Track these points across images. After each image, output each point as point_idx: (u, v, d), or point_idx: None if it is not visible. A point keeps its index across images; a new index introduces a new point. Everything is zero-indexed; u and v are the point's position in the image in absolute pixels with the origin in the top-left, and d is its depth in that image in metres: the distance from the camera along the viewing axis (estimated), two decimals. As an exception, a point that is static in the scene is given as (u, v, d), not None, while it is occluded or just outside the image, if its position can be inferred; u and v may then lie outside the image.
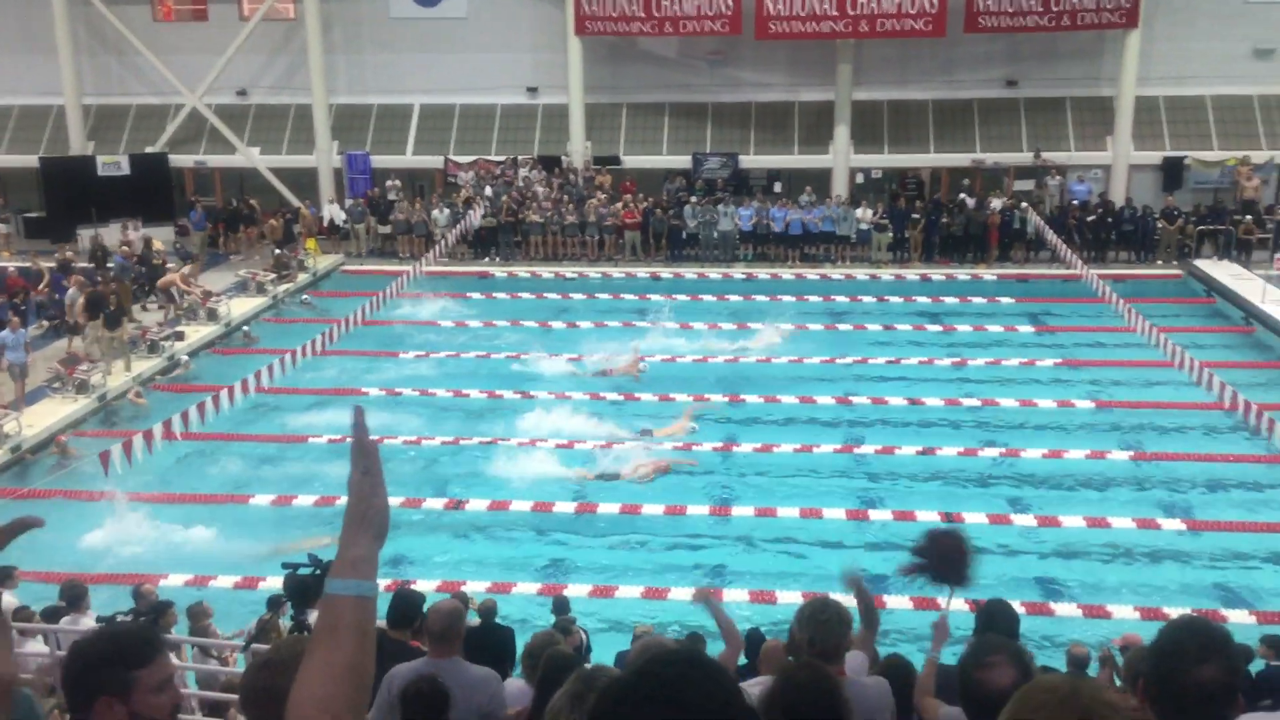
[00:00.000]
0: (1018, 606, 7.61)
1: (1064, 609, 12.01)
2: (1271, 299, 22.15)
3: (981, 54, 28.81)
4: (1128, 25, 27.27)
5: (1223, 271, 24.82)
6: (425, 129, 30.82)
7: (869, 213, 27.11)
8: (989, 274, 25.99)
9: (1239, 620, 11.32)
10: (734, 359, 20.55)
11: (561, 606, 10.28)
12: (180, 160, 30.79)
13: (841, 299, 24.31)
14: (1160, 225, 26.47)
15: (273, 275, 25.17)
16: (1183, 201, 27.35)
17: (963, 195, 27.66)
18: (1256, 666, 8.72)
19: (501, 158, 29.97)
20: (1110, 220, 26.74)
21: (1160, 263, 26.32)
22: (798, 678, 3.54)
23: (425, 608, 6.56)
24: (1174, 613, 11.67)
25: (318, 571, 6.08)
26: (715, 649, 6.61)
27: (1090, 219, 26.70)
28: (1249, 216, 26.43)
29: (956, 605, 11.16)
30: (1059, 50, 28.54)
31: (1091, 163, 28.63)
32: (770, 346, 21.00)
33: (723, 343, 21.27)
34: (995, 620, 6.16)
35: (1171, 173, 28.10)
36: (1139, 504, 14.60)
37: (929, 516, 13.94)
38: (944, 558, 5.59)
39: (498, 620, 9.25)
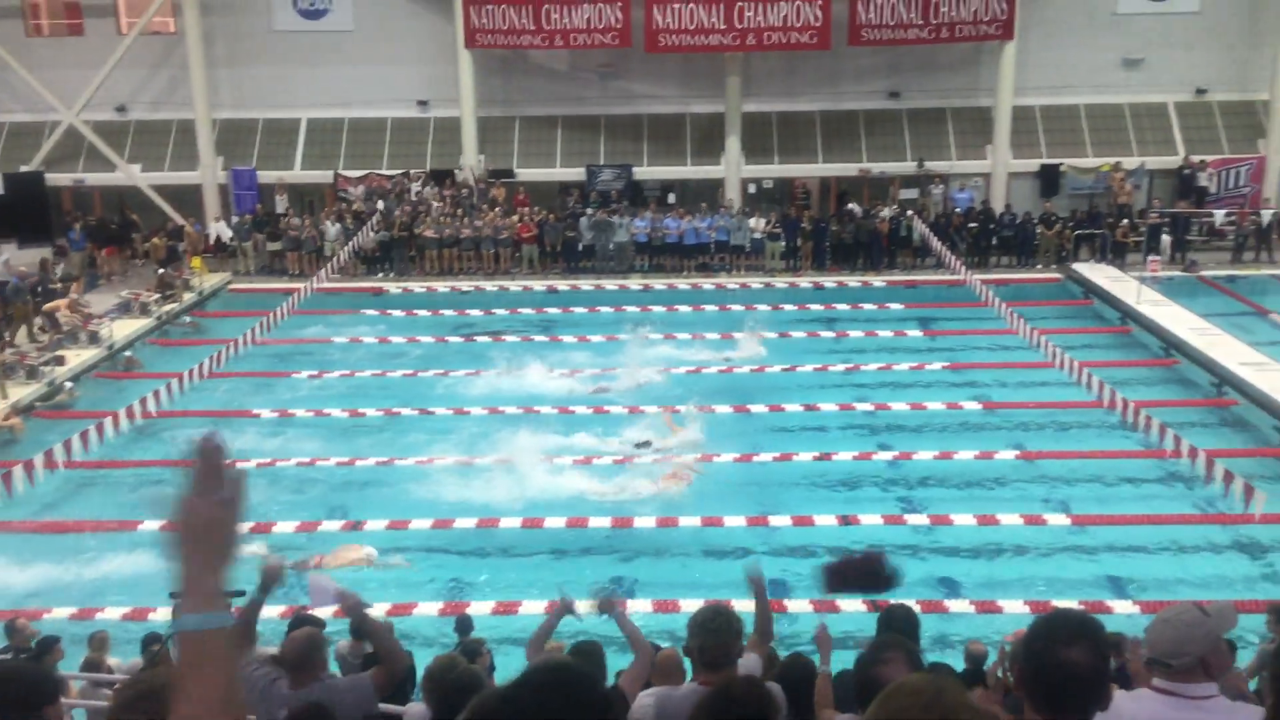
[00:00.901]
0: (913, 605, 7.84)
1: (957, 606, 12.33)
2: (1146, 300, 23.11)
3: (865, 66, 29.52)
4: (1003, 37, 28.23)
5: (1099, 274, 25.81)
6: (313, 143, 30.33)
7: (762, 222, 27.56)
8: (879, 280, 26.60)
9: (1124, 610, 11.78)
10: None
11: (465, 626, 10.17)
12: (58, 179, 29.73)
13: (737, 308, 24.61)
14: (1039, 231, 27.42)
15: (157, 296, 24.47)
16: (1060, 207, 28.40)
17: (851, 205, 28.29)
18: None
19: (393, 172, 29.66)
20: (991, 226, 27.63)
21: (1040, 267, 27.26)
22: (732, 690, 3.58)
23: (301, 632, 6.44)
24: (1063, 605, 12.12)
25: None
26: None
27: (972, 225, 27.54)
28: (1124, 221, 27.54)
29: (856, 607, 11.46)
30: (939, 62, 29.41)
31: (972, 171, 29.53)
32: (755, 355, 21.32)
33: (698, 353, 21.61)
34: (896, 622, 6.31)
35: (1048, 180, 29.15)
36: (1026, 501, 15.08)
37: (827, 521, 14.22)
38: (859, 574, 5.71)
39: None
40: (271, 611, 9.87)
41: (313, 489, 15.99)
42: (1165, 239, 26.74)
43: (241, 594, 5.48)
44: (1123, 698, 3.58)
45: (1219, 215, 27.92)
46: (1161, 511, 14.67)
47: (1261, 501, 13.90)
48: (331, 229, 27.55)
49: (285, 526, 14.34)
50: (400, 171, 29.61)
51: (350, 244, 26.97)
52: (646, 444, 17.05)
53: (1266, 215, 27.32)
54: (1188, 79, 29.51)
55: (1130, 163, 28.97)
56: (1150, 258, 24.64)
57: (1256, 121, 29.33)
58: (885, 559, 5.77)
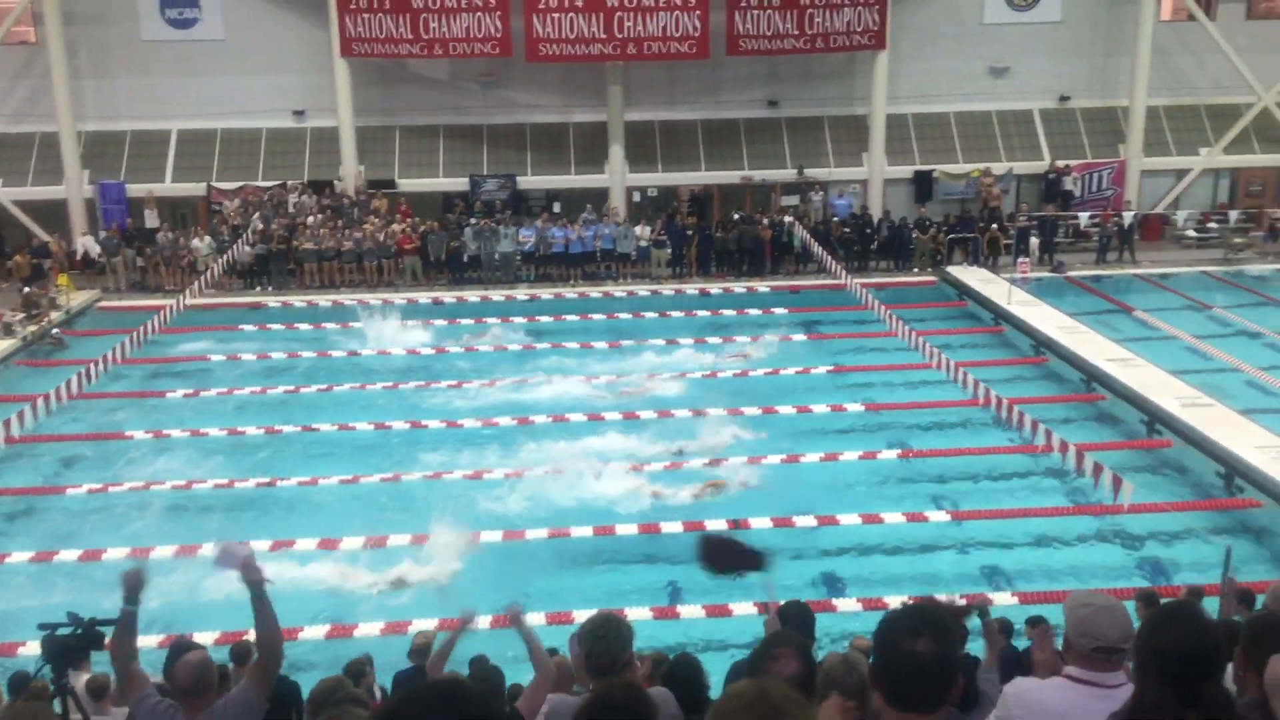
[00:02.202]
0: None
1: (845, 604, 12.55)
2: (1017, 300, 23.93)
3: (744, 76, 29.97)
4: (876, 47, 28.95)
5: (972, 276, 26.63)
6: (185, 155, 29.45)
7: (647, 230, 27.73)
8: (763, 286, 26.98)
9: (1004, 601, 12.17)
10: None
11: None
12: (-91, 194, 28.30)
13: (625, 316, 24.70)
14: (914, 235, 28.19)
15: (21, 315, 23.43)
16: (934, 212, 29.23)
17: (736, 214, 28.67)
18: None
19: (269, 183, 28.98)
20: (869, 232, 28.29)
21: (916, 270, 28.00)
22: (610, 695, 3.57)
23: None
24: (944, 599, 12.45)
25: (79, 631, 5.74)
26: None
27: (850, 231, 28.16)
28: (994, 225, 28.48)
29: (746, 611, 11.59)
30: (815, 72, 30.02)
31: (850, 178, 30.22)
32: (751, 360, 21.55)
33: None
34: (790, 620, 6.38)
35: (922, 185, 29.99)
36: (909, 499, 15.46)
37: (718, 525, 14.34)
38: (725, 554, 5.82)
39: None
40: (149, 640, 9.54)
41: (189, 512, 15.50)
42: (1033, 241, 27.78)
43: (115, 621, 5.31)
44: (1036, 687, 3.64)
45: (1083, 217, 29.10)
46: (1037, 505, 15.20)
47: (1129, 492, 14.50)
48: (205, 243, 26.77)
49: (163, 552, 13.86)
50: (277, 183, 28.95)
51: (224, 258, 26.24)
52: (680, 452, 17.20)
53: (1128, 217, 28.56)
54: (1051, 87, 30.70)
55: (999, 168, 30.00)
56: (1019, 260, 25.53)
57: (1117, 127, 30.65)
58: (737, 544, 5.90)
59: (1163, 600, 9.60)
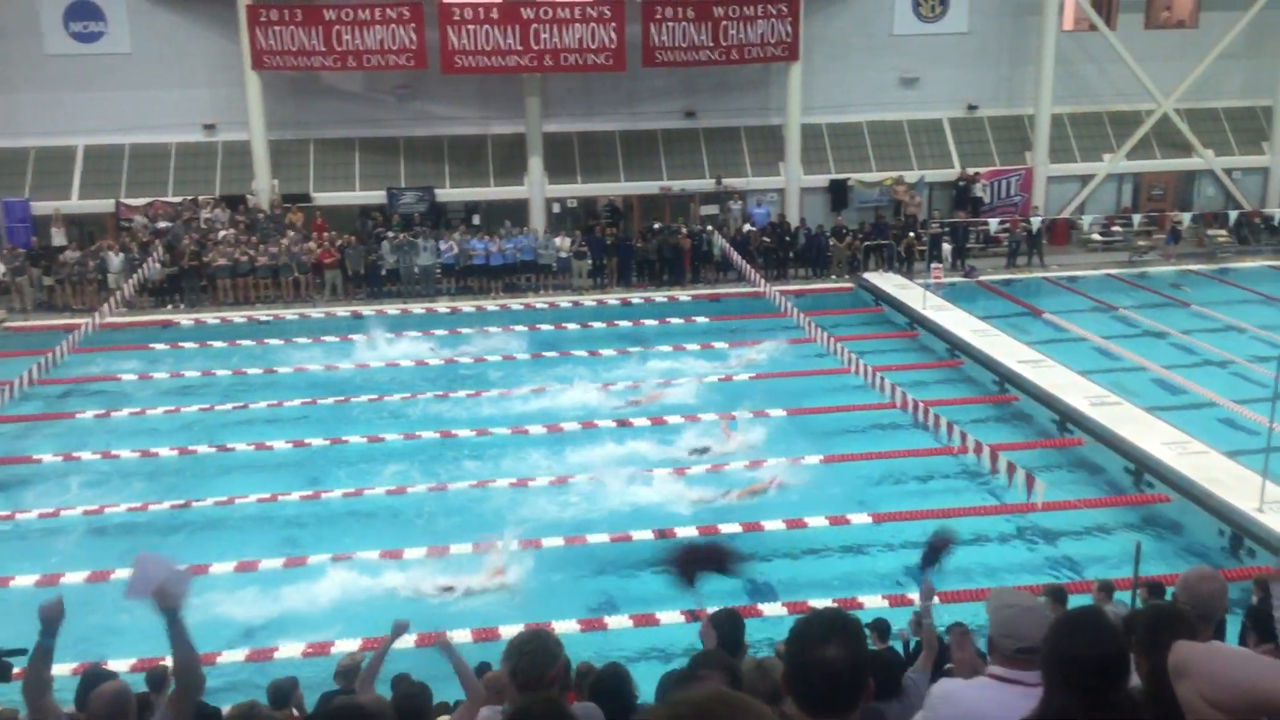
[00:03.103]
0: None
1: (770, 609, 12.66)
2: (931, 305, 24.41)
3: (661, 87, 30.16)
4: (789, 59, 29.35)
5: (888, 283, 27.10)
6: (92, 171, 28.71)
7: (568, 241, 27.74)
8: (684, 295, 27.14)
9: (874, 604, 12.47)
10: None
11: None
12: None
13: (546, 327, 24.65)
14: (832, 243, 28.60)
15: (-81, 338, 22.66)
16: (850, 220, 29.69)
17: (655, 224, 28.81)
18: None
19: (179, 199, 28.39)
20: (787, 240, 28.64)
21: (834, 277, 28.41)
22: (529, 711, 3.56)
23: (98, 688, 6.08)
24: (866, 600, 12.66)
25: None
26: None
27: (768, 239, 28.47)
28: (910, 232, 29.03)
29: (674, 618, 11.64)
30: (731, 83, 30.32)
31: (767, 187, 30.55)
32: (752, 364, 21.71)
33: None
34: (721, 628, 6.39)
35: (838, 194, 30.45)
36: (832, 502, 15.64)
37: (643, 536, 14.39)
38: (700, 560, 5.85)
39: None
40: (62, 669, 9.27)
41: (103, 536, 15.11)
42: (946, 247, 28.37)
43: (23, 651, 5.16)
44: (963, 687, 3.69)
45: (993, 223, 29.81)
46: (954, 505, 15.50)
47: (1042, 490, 14.87)
48: (114, 260, 26.12)
49: (74, 577, 13.50)
50: (188, 197, 28.38)
51: (135, 275, 25.63)
52: (704, 450, 17.40)
53: (1036, 221, 29.33)
54: (960, 96, 31.41)
55: (911, 176, 30.59)
56: (933, 265, 26.04)
57: (1023, 134, 31.44)
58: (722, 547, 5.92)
59: (1070, 600, 9.89)
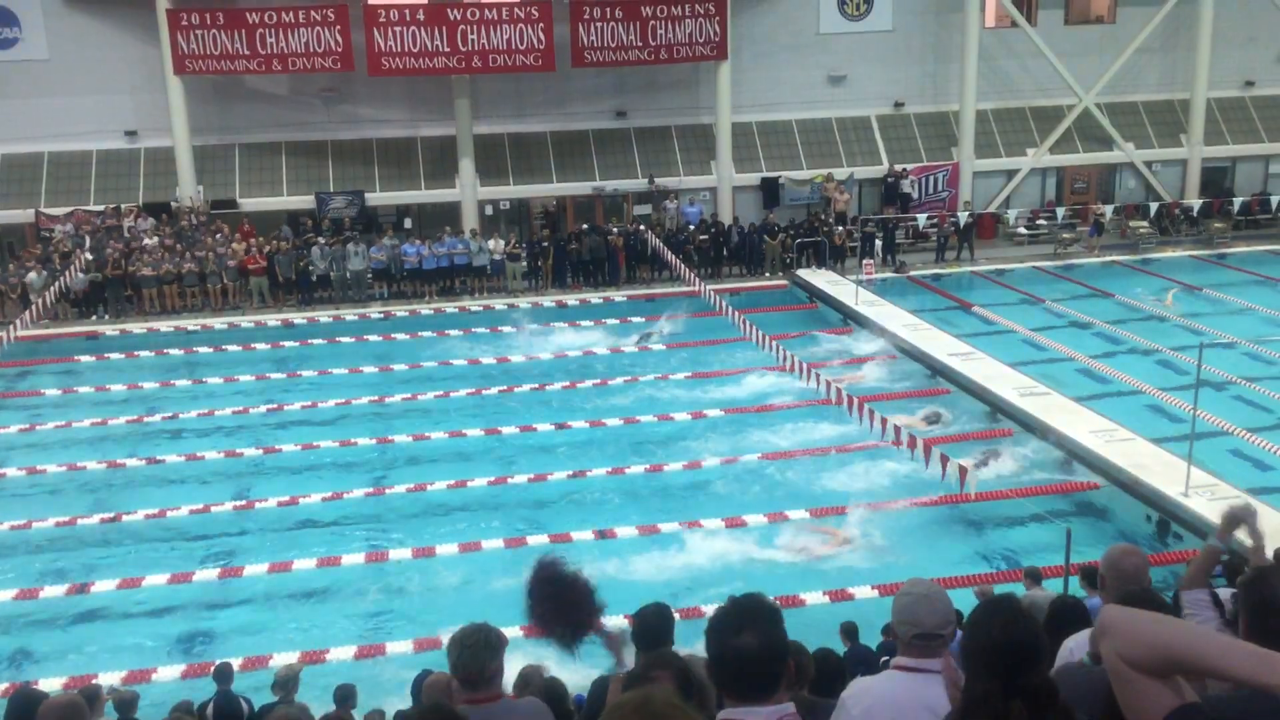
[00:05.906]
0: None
1: (711, 609, 12.69)
2: (864, 301, 24.69)
3: (591, 87, 30.14)
4: (718, 58, 29.50)
5: (821, 279, 27.36)
6: (9, 180, 27.94)
7: (501, 243, 27.60)
8: (619, 295, 27.15)
9: (864, 595, 12.59)
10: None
11: (225, 675, 9.62)
12: None
13: (482, 330, 24.50)
14: (764, 240, 28.80)
15: None
16: (782, 218, 29.92)
17: (584, 224, 28.78)
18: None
19: (101, 207, 27.75)
20: (721, 238, 28.78)
21: (767, 275, 28.61)
22: (435, 713, 3.58)
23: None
24: (809, 598, 12.77)
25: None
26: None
27: (703, 238, 28.60)
28: (840, 228, 29.32)
29: (615, 624, 11.65)
30: (661, 82, 30.39)
31: (700, 186, 30.67)
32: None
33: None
34: (646, 621, 6.34)
35: (769, 192, 30.66)
36: (767, 501, 15.75)
37: (584, 536, 14.38)
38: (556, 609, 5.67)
39: (137, 717, 8.52)
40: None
41: (23, 551, 14.73)
42: (877, 243, 28.71)
43: None
44: (871, 681, 3.77)
45: (922, 219, 30.23)
46: (888, 499, 15.66)
47: (975, 481, 15.12)
48: (35, 274, 25.43)
49: (2, 595, 13.16)
50: (110, 206, 27.75)
51: (55, 286, 25.00)
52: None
53: (963, 216, 29.79)
54: (887, 93, 31.80)
55: (841, 173, 30.91)
56: (864, 261, 26.34)
57: (949, 131, 31.92)
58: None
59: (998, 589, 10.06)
